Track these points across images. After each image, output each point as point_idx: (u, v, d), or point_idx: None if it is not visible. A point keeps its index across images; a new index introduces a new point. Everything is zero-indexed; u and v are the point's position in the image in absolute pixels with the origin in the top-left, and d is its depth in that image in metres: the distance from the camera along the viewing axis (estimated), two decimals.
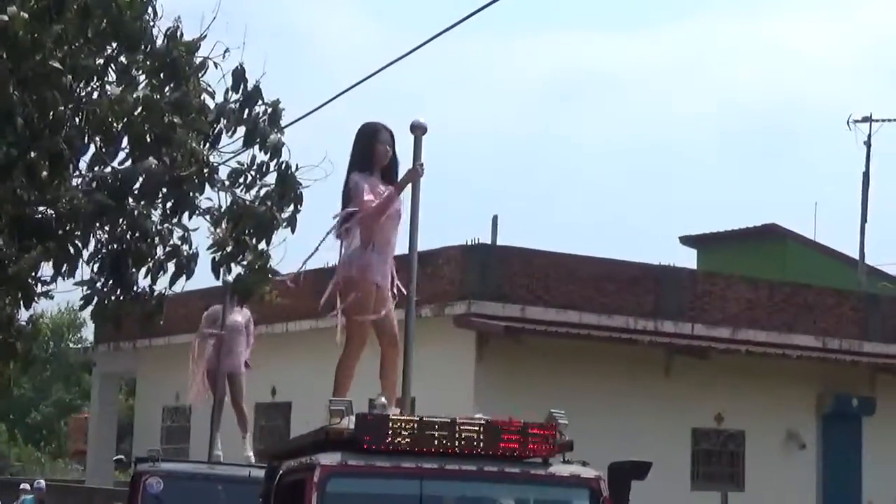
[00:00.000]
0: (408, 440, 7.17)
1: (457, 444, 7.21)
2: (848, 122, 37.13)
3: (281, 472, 7.72)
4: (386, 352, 8.66)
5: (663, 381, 25.83)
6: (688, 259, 34.77)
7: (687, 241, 35.60)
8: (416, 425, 7.25)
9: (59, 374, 57.25)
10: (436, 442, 7.19)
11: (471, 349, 24.36)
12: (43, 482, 23.65)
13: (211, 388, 15.45)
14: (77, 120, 10.20)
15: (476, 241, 25.19)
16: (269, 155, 10.49)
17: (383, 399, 7.60)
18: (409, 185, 8.57)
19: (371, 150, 8.76)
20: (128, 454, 35.25)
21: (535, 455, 7.31)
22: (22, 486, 24.99)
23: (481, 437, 7.26)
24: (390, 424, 7.20)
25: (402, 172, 8.70)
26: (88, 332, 52.61)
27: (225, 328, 15.30)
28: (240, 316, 15.68)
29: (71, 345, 56.81)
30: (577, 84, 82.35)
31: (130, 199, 10.28)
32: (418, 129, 8.51)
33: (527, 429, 7.29)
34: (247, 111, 10.49)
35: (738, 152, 78.67)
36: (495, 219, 26.29)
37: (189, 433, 31.85)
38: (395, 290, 8.72)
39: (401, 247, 8.80)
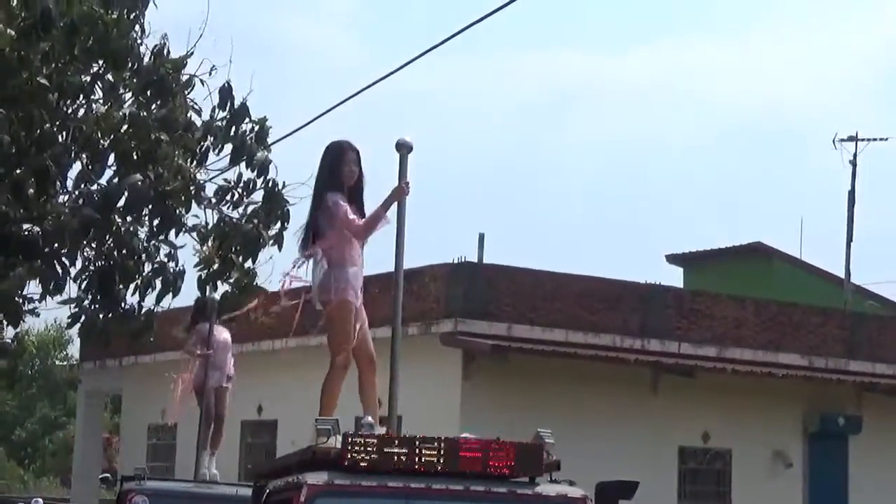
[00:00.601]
0: (395, 459, 7.15)
1: (444, 463, 7.18)
2: (834, 142, 37.24)
3: (268, 491, 7.69)
4: (365, 370, 8.65)
5: (650, 399, 25.79)
6: (674, 277, 34.80)
7: (673, 259, 35.63)
8: (402, 444, 7.23)
9: (45, 392, 57.04)
10: (423, 461, 7.16)
11: (457, 368, 24.30)
12: (41, 500, 23.36)
13: (199, 404, 15.39)
14: (63, 137, 10.19)
15: (462, 260, 25.16)
16: (255, 172, 10.51)
17: (370, 418, 7.58)
18: (395, 204, 8.53)
19: (338, 172, 8.66)
20: (113, 472, 35.12)
21: (522, 475, 7.29)
22: None
23: (468, 456, 7.23)
24: (377, 443, 7.18)
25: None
26: (74, 350, 52.47)
27: (213, 345, 15.25)
28: (227, 333, 15.64)
29: (56, 362, 56.63)
30: (560, 102, 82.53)
31: (116, 216, 10.28)
32: (403, 148, 8.48)
33: (514, 448, 7.27)
34: (234, 128, 10.51)
35: (721, 171, 78.89)
36: (482, 237, 26.30)
37: (175, 451, 31.72)
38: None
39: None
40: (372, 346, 8.61)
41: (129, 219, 10.27)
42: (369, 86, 11.78)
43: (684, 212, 76.18)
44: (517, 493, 7.25)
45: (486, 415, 22.51)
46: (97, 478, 35.94)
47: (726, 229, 71.19)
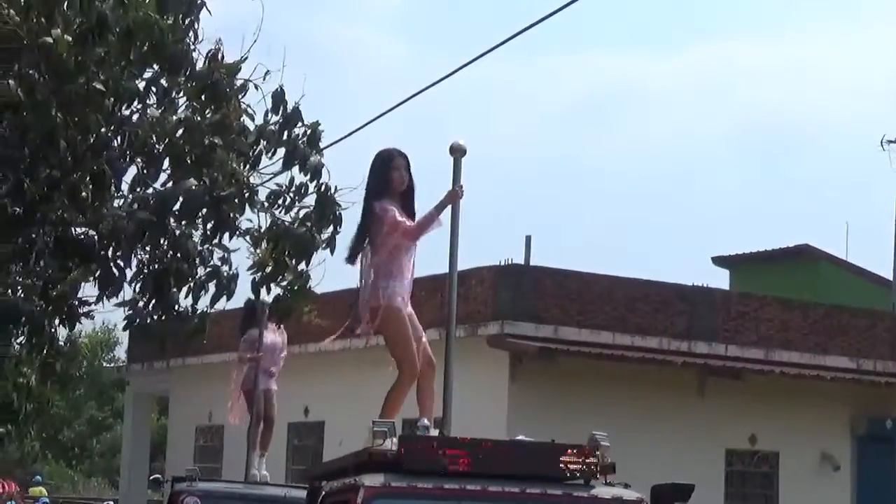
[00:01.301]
0: (451, 461, 7.17)
1: (500, 465, 7.20)
2: (882, 143, 36.99)
3: (323, 493, 7.72)
4: (424, 373, 8.63)
5: (697, 402, 25.73)
6: (720, 280, 34.68)
7: (720, 261, 35.49)
8: (459, 446, 7.25)
9: (93, 393, 57.41)
10: (479, 463, 7.18)
11: (504, 370, 24.33)
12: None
13: (248, 408, 15.47)
14: (119, 142, 10.28)
15: (509, 262, 25.19)
16: (308, 176, 10.55)
17: (426, 420, 7.61)
18: (448, 207, 8.54)
19: (388, 178, 8.65)
20: (161, 474, 35.34)
21: (578, 477, 7.30)
22: None
23: (523, 458, 7.25)
24: (433, 446, 7.21)
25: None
26: (121, 351, 52.77)
27: (262, 349, 15.33)
28: (275, 335, 15.71)
29: (104, 364, 56.99)
30: (606, 103, 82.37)
31: (171, 220, 10.35)
32: (457, 152, 8.48)
33: (572, 451, 7.27)
34: (286, 133, 10.54)
35: (768, 173, 78.46)
36: (528, 239, 26.28)
37: (222, 453, 31.87)
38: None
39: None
40: (429, 348, 8.61)
41: (183, 223, 10.33)
42: (421, 91, 11.82)
43: (731, 214, 75.90)
44: (573, 496, 7.26)
45: (533, 417, 22.52)
46: (145, 479, 36.13)
47: (773, 232, 70.80)
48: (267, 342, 15.44)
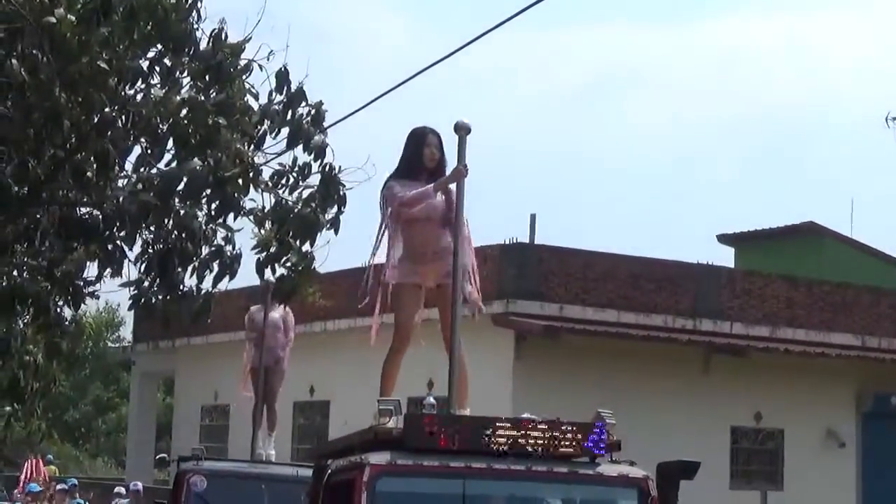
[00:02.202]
0: (457, 440, 7.20)
1: (506, 443, 7.23)
2: (886, 120, 36.91)
3: (329, 471, 7.76)
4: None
5: (702, 379, 25.81)
6: (725, 257, 34.68)
7: (725, 239, 35.49)
8: (464, 424, 7.29)
9: (98, 373, 57.49)
10: (485, 441, 7.21)
11: (509, 348, 24.39)
12: (140, 484, 23.33)
13: (253, 385, 15.55)
14: (123, 121, 10.26)
15: (514, 240, 25.22)
16: (312, 156, 10.52)
17: (431, 399, 7.64)
18: (454, 186, 8.58)
19: (419, 154, 8.80)
20: (167, 453, 35.41)
21: (584, 455, 7.33)
22: (116, 489, 24.67)
23: (529, 436, 7.28)
24: (438, 424, 7.23)
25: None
26: (127, 331, 52.83)
27: (266, 327, 15.38)
28: (277, 313, 15.75)
29: (109, 343, 57.07)
30: (611, 80, 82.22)
31: (175, 200, 10.34)
32: (462, 130, 8.51)
33: (577, 428, 7.30)
34: (290, 112, 10.52)
35: (771, 150, 78.36)
36: (533, 217, 26.32)
37: (228, 432, 31.99)
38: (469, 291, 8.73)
39: None
40: (462, 346, 8.60)
41: (187, 203, 10.32)
42: (425, 69, 11.79)
43: (736, 191, 75.88)
44: (579, 474, 7.29)
45: (538, 395, 22.58)
46: (151, 458, 36.25)
47: (778, 209, 70.83)
48: (268, 321, 15.52)
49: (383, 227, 8.78)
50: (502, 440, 7.24)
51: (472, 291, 8.82)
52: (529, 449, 7.25)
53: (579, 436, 7.28)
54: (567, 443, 7.27)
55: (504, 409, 20.78)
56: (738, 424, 26.67)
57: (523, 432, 7.27)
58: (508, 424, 7.30)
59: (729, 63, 78.70)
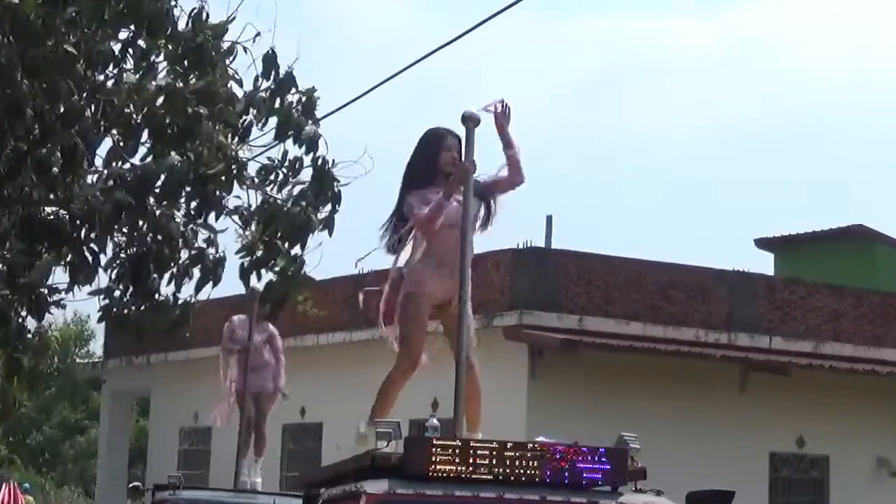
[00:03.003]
0: (464, 466, 7.19)
1: (519, 470, 7.22)
2: None
3: (321, 500, 7.76)
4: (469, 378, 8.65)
5: (738, 400, 25.77)
6: (764, 264, 34.64)
7: (763, 244, 35.45)
8: (472, 450, 7.27)
9: (65, 392, 57.51)
10: (494, 469, 7.20)
11: (523, 364, 24.37)
12: None
13: (239, 408, 15.58)
14: (92, 111, 10.28)
15: (528, 244, 25.21)
16: (303, 149, 10.54)
17: (434, 421, 7.63)
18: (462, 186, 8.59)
19: (436, 158, 8.76)
20: (141, 481, 35.41)
21: (606, 483, 7.32)
22: None
23: (544, 463, 7.26)
24: (443, 448, 7.22)
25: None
26: (97, 346, 52.85)
27: (252, 343, 15.41)
28: (260, 335, 15.79)
29: (78, 359, 57.09)
30: (637, 71, 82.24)
31: (151, 199, 10.35)
32: (470, 121, 8.48)
33: (597, 454, 7.29)
34: (279, 100, 10.54)
35: (817, 148, 78.40)
36: (549, 219, 26.29)
37: (209, 457, 31.97)
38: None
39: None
40: (473, 357, 8.58)
41: (164, 202, 10.33)
42: (428, 55, 11.80)
43: (775, 191, 75.84)
44: None
45: (555, 416, 22.56)
46: (123, 487, 36.23)
47: (823, 210, 70.81)
48: (255, 340, 15.58)
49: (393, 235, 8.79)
50: (514, 467, 7.23)
51: None
52: (545, 477, 7.24)
53: (600, 462, 7.26)
54: (586, 470, 7.26)
55: (517, 433, 20.76)
56: (777, 450, 26.62)
57: (538, 458, 7.26)
58: (521, 449, 7.29)
59: (767, 51, 78.73)
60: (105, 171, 10.51)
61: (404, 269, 8.72)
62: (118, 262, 10.45)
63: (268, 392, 15.86)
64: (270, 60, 10.47)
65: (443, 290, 8.70)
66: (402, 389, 8.68)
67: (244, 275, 10.51)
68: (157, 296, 10.50)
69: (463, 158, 8.55)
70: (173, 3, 10.34)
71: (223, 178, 10.26)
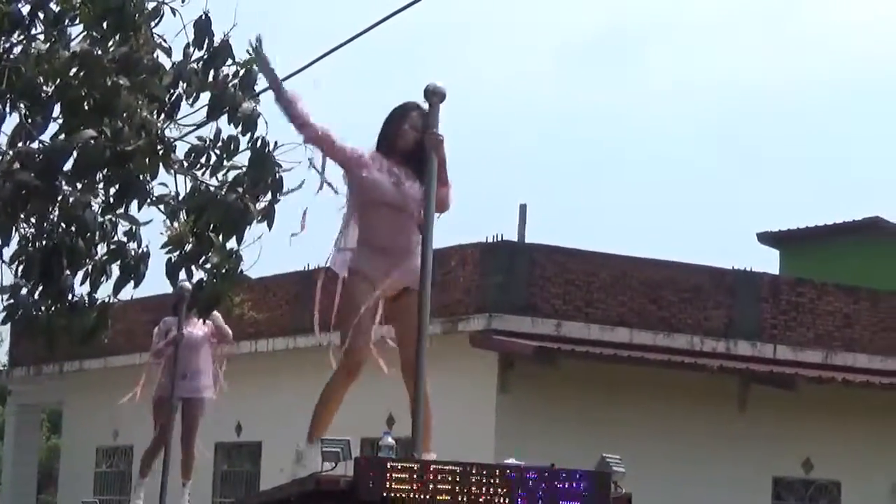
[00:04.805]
0: (421, 491, 7.21)
1: (486, 496, 7.24)
2: None
3: None
4: (408, 384, 8.70)
5: (737, 417, 25.89)
6: (768, 262, 34.84)
7: (767, 239, 35.65)
8: (430, 472, 7.29)
9: None
10: (457, 495, 7.23)
11: (492, 375, 24.42)
12: None
13: (154, 419, 15.60)
14: None
15: (499, 238, 25.24)
16: (240, 128, 10.51)
17: (390, 439, 7.65)
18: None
19: (395, 132, 9.06)
20: None
21: None
22: None
23: (514, 488, 7.29)
24: (399, 472, 7.24)
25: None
26: (1, 352, 52.67)
27: (182, 348, 15.36)
28: (198, 329, 15.75)
29: None
30: (628, 39, 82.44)
31: (63, 182, 10.30)
32: (435, 95, 8.66)
33: (572, 477, 7.32)
34: (212, 73, 10.50)
35: (829, 130, 78.73)
36: (523, 209, 26.33)
37: (130, 480, 31.92)
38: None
39: None
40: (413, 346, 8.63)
41: (78, 186, 10.28)
42: (387, 18, 11.78)
43: (781, 179, 76.15)
44: None
45: (528, 435, 22.64)
46: None
47: (834, 202, 71.12)
48: (190, 338, 15.53)
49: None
50: (481, 493, 7.25)
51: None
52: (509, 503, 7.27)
53: (579, 487, 7.29)
54: (563, 496, 7.30)
55: (485, 453, 20.82)
56: (782, 475, 26.77)
57: (508, 483, 7.28)
58: (489, 472, 7.31)
59: (778, 18, 79.00)
60: (11, 152, 10.45)
61: (332, 253, 8.86)
62: (24, 255, 10.37)
63: (200, 398, 15.79)
64: (203, 26, 10.42)
65: (382, 271, 8.77)
66: (345, 395, 8.72)
67: (172, 272, 10.46)
68: (70, 296, 10.44)
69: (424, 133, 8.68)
70: None
71: (147, 159, 10.19)
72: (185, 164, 10.54)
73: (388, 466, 7.28)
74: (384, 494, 7.22)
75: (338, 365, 8.76)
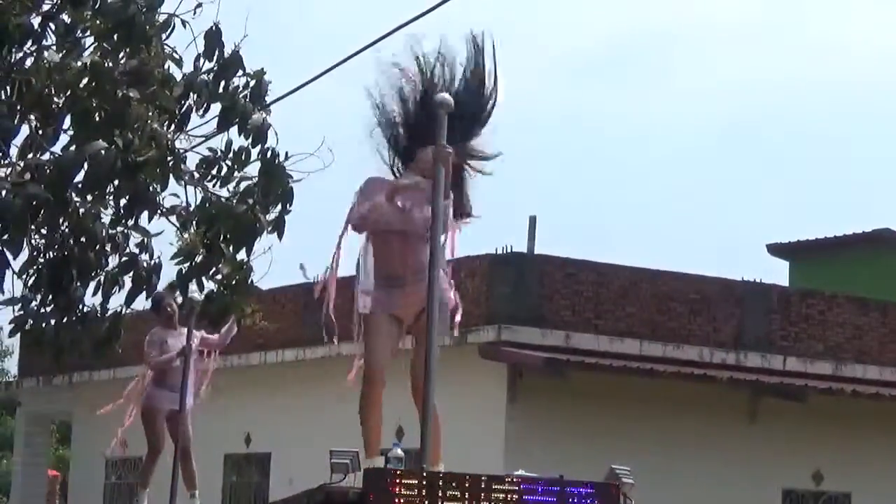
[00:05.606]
0: (430, 502, 7.22)
1: None
2: None
3: None
4: (417, 401, 8.76)
5: (747, 429, 25.85)
6: (778, 273, 34.78)
7: (777, 249, 35.61)
8: (440, 484, 7.30)
9: None
10: None
11: (501, 387, 24.39)
12: None
13: (145, 432, 15.65)
14: (7, 93, 10.26)
15: (509, 250, 25.23)
16: (250, 139, 10.54)
17: (399, 451, 7.67)
18: (433, 179, 8.69)
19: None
20: None
21: None
22: None
23: (524, 499, 7.30)
24: (407, 483, 7.26)
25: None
26: (11, 364, 52.75)
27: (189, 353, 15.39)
28: (182, 341, 15.80)
29: None
30: (636, 50, 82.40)
31: (74, 194, 10.33)
32: (442, 107, 8.61)
33: (581, 488, 7.33)
34: (223, 84, 10.53)
35: (839, 138, 78.63)
36: (533, 220, 26.30)
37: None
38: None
39: None
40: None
41: (89, 198, 10.30)
42: (395, 30, 11.79)
43: (792, 190, 76.08)
44: None
45: (537, 447, 22.60)
46: None
47: (845, 213, 71.00)
48: (173, 348, 15.60)
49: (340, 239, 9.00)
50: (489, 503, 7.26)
51: (451, 298, 8.99)
52: None
53: (588, 498, 7.30)
54: None
55: (494, 464, 20.80)
56: (792, 486, 26.71)
57: (517, 494, 7.29)
58: (498, 484, 7.32)
59: (789, 21, 78.98)
60: (21, 163, 10.47)
61: (360, 286, 8.93)
62: (35, 267, 10.40)
63: (187, 411, 15.79)
64: (214, 38, 10.46)
65: (406, 306, 8.88)
66: (380, 411, 8.86)
67: (182, 284, 10.50)
68: (80, 307, 10.46)
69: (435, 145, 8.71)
70: None
71: (158, 170, 10.22)
72: (196, 175, 10.58)
73: (397, 478, 7.29)
74: None
75: (363, 392, 8.91)
